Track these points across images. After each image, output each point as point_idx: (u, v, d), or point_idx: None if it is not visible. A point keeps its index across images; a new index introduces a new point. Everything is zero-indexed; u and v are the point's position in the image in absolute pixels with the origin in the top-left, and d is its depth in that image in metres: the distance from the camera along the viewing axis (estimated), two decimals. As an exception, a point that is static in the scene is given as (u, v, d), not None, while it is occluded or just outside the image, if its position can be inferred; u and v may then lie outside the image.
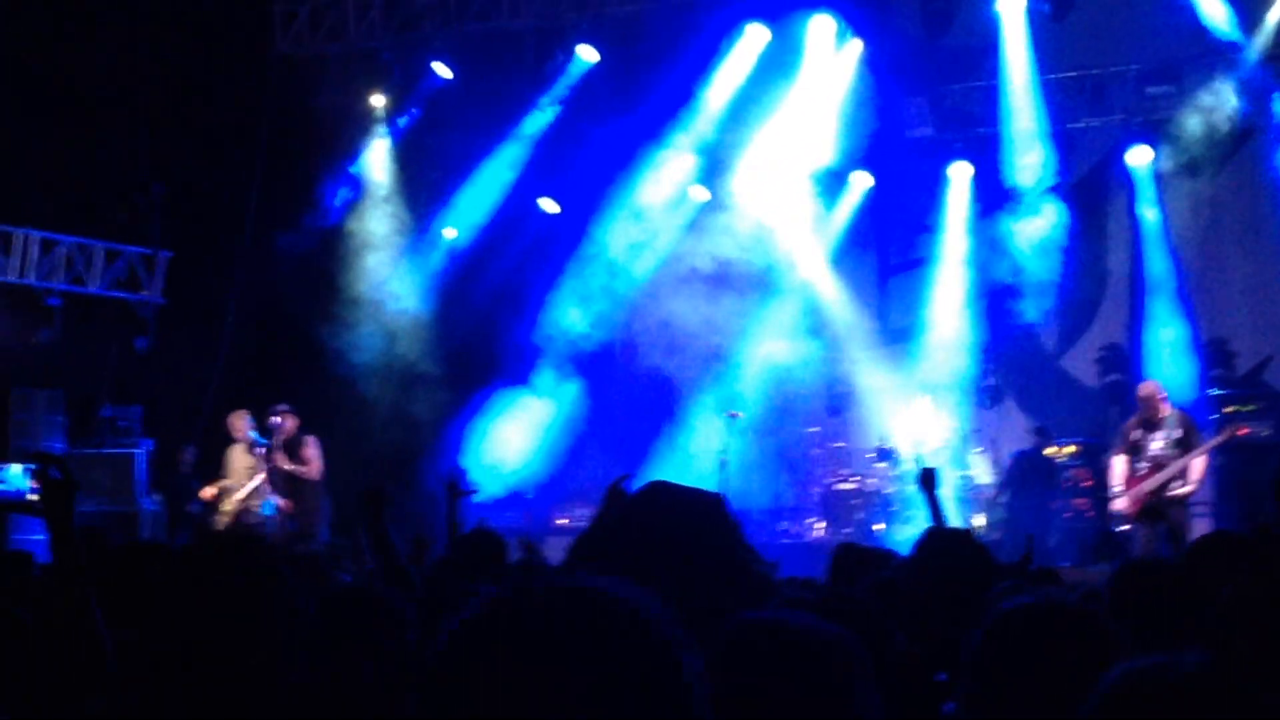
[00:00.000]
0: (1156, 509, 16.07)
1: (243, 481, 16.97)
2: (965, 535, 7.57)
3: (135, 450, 19.90)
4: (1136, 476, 16.24)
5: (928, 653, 5.53)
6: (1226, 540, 4.92)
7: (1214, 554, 4.95)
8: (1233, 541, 4.84)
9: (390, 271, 22.05)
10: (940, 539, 7.19)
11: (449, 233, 22.33)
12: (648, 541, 3.67)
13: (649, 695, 1.97)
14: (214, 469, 17.49)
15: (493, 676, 1.97)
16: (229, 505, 17.01)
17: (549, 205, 22.29)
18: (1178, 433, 16.25)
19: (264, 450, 16.88)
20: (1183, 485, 16.03)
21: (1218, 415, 18.69)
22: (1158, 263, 20.41)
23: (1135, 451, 16.35)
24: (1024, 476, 19.76)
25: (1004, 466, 20.10)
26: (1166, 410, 16.41)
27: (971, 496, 19.58)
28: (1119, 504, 16.46)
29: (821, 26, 20.51)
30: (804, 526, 20.36)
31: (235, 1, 21.63)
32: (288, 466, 16.97)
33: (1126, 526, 16.59)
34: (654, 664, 2.00)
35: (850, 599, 5.31)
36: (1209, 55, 19.43)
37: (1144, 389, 16.77)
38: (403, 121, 22.36)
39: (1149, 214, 20.50)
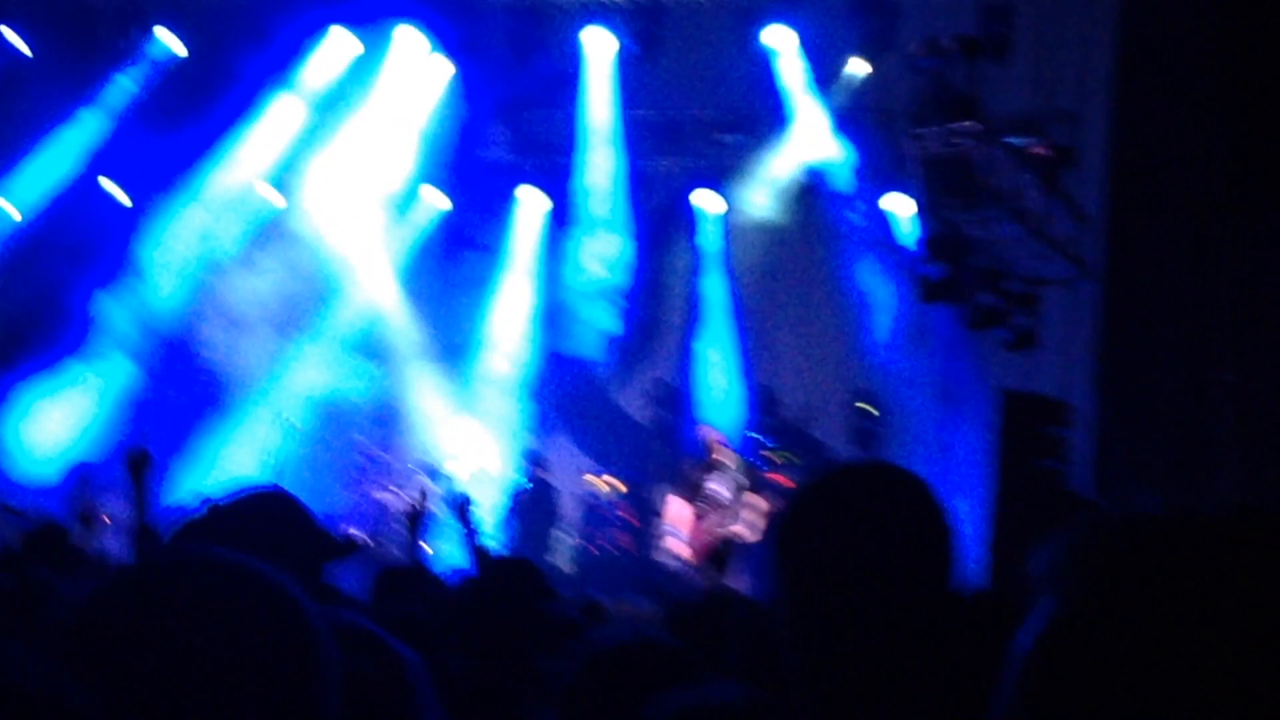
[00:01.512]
0: (717, 551, 16.43)
1: None
2: (523, 561, 7.56)
3: None
4: (697, 517, 16.60)
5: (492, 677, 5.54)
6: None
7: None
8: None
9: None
10: (498, 564, 7.16)
11: (5, 206, 21.34)
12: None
13: (284, 663, 1.92)
14: None
15: (131, 644, 1.88)
16: None
17: (114, 190, 21.51)
18: (738, 476, 16.71)
19: None
20: (741, 528, 16.45)
21: (760, 462, 19.17)
22: (715, 305, 20.88)
23: (695, 493, 16.72)
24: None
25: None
26: (725, 454, 16.85)
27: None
28: (676, 544, 16.76)
29: (408, 38, 20.37)
30: (342, 535, 20.00)
31: None
32: None
33: (677, 565, 16.93)
34: (292, 632, 1.94)
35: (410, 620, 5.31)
36: (782, 108, 19.98)
37: (704, 433, 17.25)
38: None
39: (711, 258, 20.98)
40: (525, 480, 19.77)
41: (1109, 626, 1.44)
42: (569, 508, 20.51)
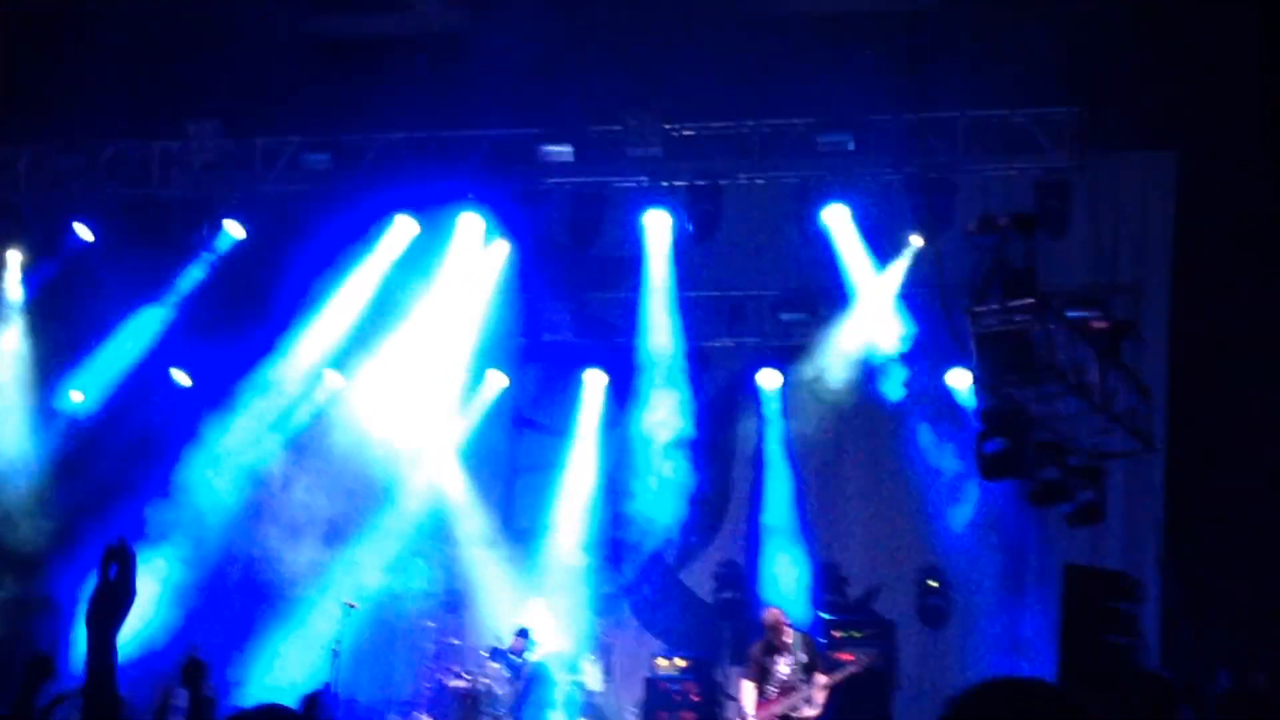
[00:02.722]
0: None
1: None
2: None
3: None
4: (766, 700, 16.66)
5: None
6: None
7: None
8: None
9: (6, 435, 21.24)
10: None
11: (76, 397, 21.62)
12: None
13: None
14: None
15: None
16: None
17: (181, 378, 21.76)
18: (803, 657, 16.73)
19: None
20: (809, 709, 16.45)
21: (827, 640, 19.07)
22: (780, 485, 20.85)
23: (763, 676, 16.77)
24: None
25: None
26: (790, 635, 16.86)
27: (581, 701, 19.64)
28: (745, 727, 16.84)
29: (470, 224, 20.62)
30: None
31: None
32: None
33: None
34: None
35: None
36: (842, 285, 20.08)
37: (769, 616, 17.23)
38: (37, 281, 21.66)
39: (775, 435, 20.99)
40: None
41: None
42: (634, 687, 20.39)
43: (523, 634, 19.61)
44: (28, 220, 21.60)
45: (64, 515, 20.85)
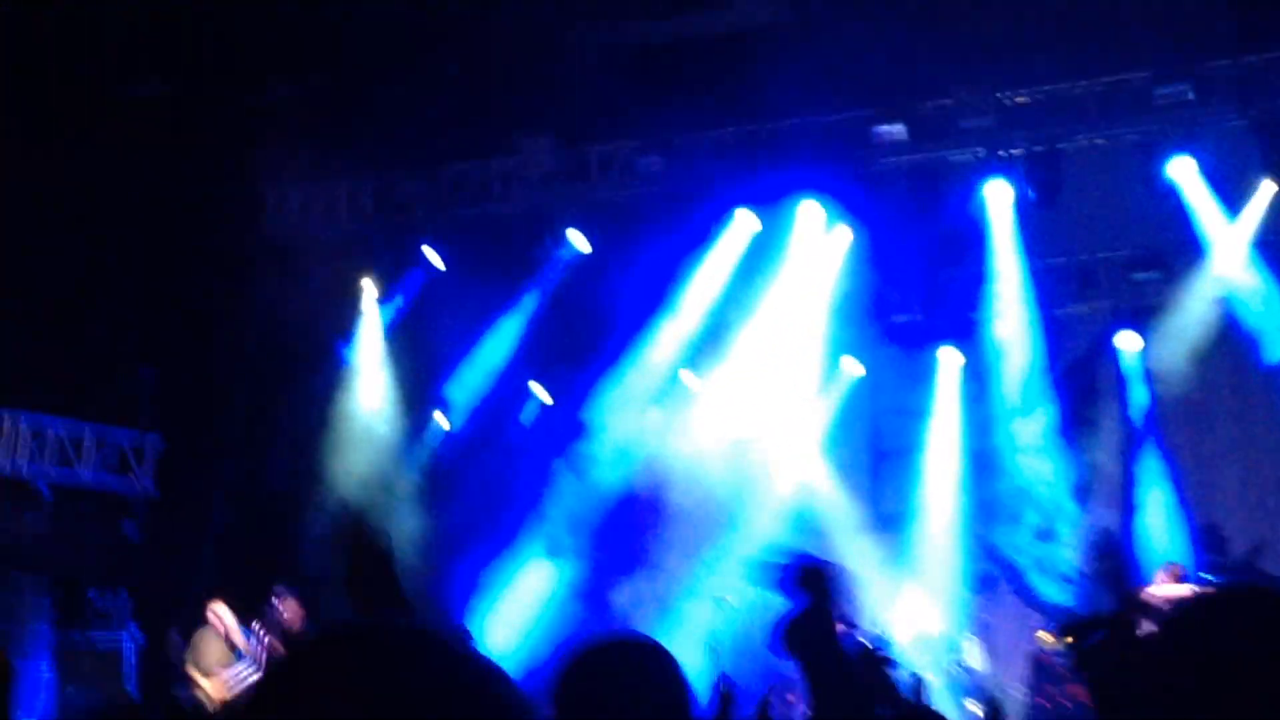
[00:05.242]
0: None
1: (215, 668, 16.28)
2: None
3: (123, 638, 19.50)
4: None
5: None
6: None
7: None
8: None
9: (380, 458, 21.85)
10: None
11: (439, 417, 22.18)
12: None
13: None
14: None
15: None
16: (218, 691, 16.34)
17: (540, 393, 22.19)
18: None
19: (256, 638, 16.32)
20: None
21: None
22: (1148, 448, 20.46)
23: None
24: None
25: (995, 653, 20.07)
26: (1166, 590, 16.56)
27: (965, 682, 19.54)
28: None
29: (810, 212, 20.66)
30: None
31: (225, 185, 21.64)
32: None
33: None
34: None
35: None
36: (1195, 240, 19.65)
37: (1168, 571, 16.98)
38: (392, 306, 22.27)
39: (1138, 399, 20.61)
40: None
41: None
42: (1018, 663, 20.22)
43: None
44: (378, 248, 22.22)
45: (445, 521, 21.39)
